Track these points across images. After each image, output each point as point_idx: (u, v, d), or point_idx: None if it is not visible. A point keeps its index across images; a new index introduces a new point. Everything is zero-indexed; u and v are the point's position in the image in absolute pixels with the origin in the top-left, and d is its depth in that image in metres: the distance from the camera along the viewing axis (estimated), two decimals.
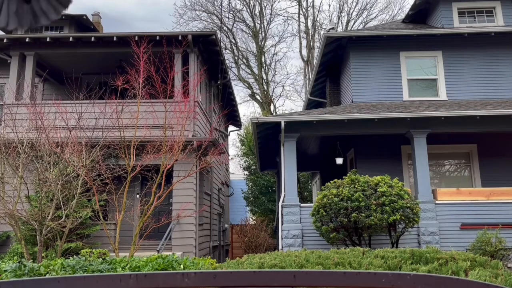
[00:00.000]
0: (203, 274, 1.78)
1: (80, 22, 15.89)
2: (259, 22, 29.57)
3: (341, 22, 29.25)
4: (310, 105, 17.32)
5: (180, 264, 7.03)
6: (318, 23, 29.45)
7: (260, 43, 29.38)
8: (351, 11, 30.69)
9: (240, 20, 29.82)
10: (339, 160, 13.48)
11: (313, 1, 29.41)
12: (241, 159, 26.00)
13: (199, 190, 12.13)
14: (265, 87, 29.30)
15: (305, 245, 9.97)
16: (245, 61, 29.96)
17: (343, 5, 30.66)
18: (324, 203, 8.91)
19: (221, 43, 21.42)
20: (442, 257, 6.19)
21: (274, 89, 31.52)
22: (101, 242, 10.85)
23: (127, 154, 9.31)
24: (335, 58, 14.13)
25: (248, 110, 62.72)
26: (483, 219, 9.94)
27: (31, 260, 8.50)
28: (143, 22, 63.46)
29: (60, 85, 14.31)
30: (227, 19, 29.54)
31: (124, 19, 66.13)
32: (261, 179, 22.85)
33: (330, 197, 8.86)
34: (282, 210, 10.39)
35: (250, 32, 29.79)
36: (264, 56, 29.61)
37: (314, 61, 25.72)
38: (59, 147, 9.12)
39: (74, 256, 7.98)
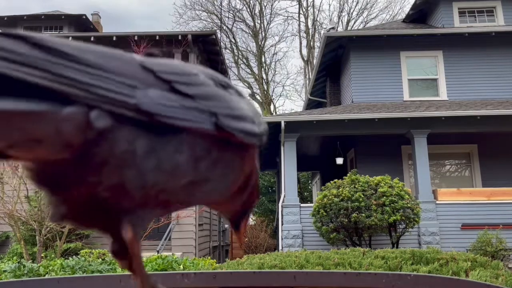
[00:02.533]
0: (203, 274, 1.76)
1: (80, 22, 15.88)
2: (259, 21, 29.58)
3: (342, 22, 29.26)
4: (310, 105, 17.31)
5: (180, 265, 7.01)
6: (318, 23, 29.47)
7: (260, 43, 29.39)
8: (351, 10, 30.69)
9: (240, 20, 29.83)
10: (339, 160, 13.46)
11: (313, 0, 29.44)
12: None
13: None
14: (265, 87, 29.30)
15: (305, 245, 9.95)
16: (245, 61, 29.97)
17: (344, 4, 30.70)
18: (324, 203, 8.89)
19: (221, 43, 21.42)
20: (442, 258, 6.18)
21: (274, 89, 31.57)
22: (101, 242, 10.83)
23: None
24: (335, 58, 14.11)
25: None
26: (484, 219, 9.92)
27: (31, 261, 8.48)
28: (144, 20, 63.50)
29: None
30: (227, 19, 29.55)
31: (125, 17, 66.15)
32: (261, 179, 22.85)
33: (330, 197, 8.84)
34: (282, 211, 10.37)
35: (250, 32, 29.80)
36: (264, 56, 29.62)
37: (314, 61, 25.73)
38: None
39: (74, 256, 7.96)
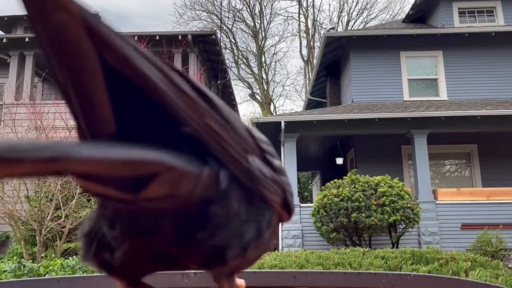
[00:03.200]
0: (202, 274, 1.76)
1: None
2: (259, 21, 29.57)
3: (341, 22, 29.25)
4: (310, 105, 17.31)
5: None
6: (318, 23, 29.46)
7: (260, 43, 29.38)
8: (351, 10, 30.60)
9: (240, 20, 29.81)
10: (339, 160, 13.45)
11: (313, 0, 29.41)
12: None
13: None
14: (265, 87, 29.29)
15: (305, 245, 9.95)
16: (245, 61, 29.96)
17: (343, 4, 30.60)
18: (324, 203, 8.89)
19: (221, 43, 21.43)
20: (442, 258, 6.20)
21: (274, 89, 31.51)
22: None
23: None
24: (335, 58, 14.11)
25: (248, 110, 62.70)
26: (484, 219, 9.91)
27: (31, 261, 8.48)
28: (145, 19, 63.37)
29: None
30: (227, 19, 29.53)
31: (125, 16, 66.02)
32: None
33: (330, 197, 8.84)
34: None
35: (250, 32, 29.79)
36: (264, 56, 29.62)
37: (314, 61, 25.73)
38: None
39: (74, 256, 7.96)
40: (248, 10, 29.66)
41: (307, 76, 28.81)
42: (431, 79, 12.54)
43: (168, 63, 0.49)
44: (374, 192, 8.68)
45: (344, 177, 9.23)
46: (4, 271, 6.43)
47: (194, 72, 12.35)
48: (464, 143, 11.87)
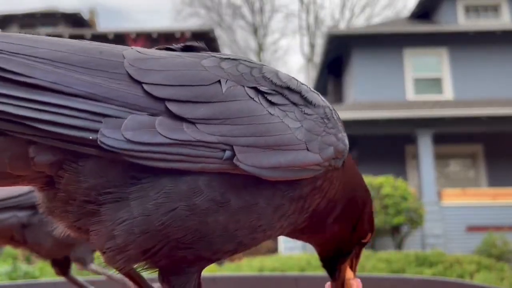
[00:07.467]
0: (201, 278, 1.67)
1: (75, 19, 15.86)
2: (259, 18, 29.61)
3: (344, 19, 29.22)
4: None
5: None
6: (320, 20, 29.46)
7: (260, 40, 29.46)
8: (353, 7, 30.55)
9: (240, 17, 29.83)
10: None
11: None
12: None
13: None
14: None
15: (306, 248, 9.81)
16: None
17: (346, 1, 30.55)
18: None
19: (220, 40, 21.42)
20: (446, 260, 6.23)
21: None
22: None
23: None
24: (337, 56, 14.01)
25: None
26: (490, 220, 9.82)
27: (26, 263, 8.38)
28: (146, 13, 63.43)
29: None
30: (226, 16, 29.56)
31: (125, 11, 66.14)
32: None
33: None
34: None
35: (250, 29, 29.84)
36: (264, 53, 29.68)
37: (316, 58, 25.74)
38: None
39: None
40: (248, 6, 29.67)
41: (308, 74, 28.79)
42: (436, 77, 12.43)
43: None
44: (377, 194, 8.61)
45: None
46: None
47: None
48: (470, 143, 11.79)
